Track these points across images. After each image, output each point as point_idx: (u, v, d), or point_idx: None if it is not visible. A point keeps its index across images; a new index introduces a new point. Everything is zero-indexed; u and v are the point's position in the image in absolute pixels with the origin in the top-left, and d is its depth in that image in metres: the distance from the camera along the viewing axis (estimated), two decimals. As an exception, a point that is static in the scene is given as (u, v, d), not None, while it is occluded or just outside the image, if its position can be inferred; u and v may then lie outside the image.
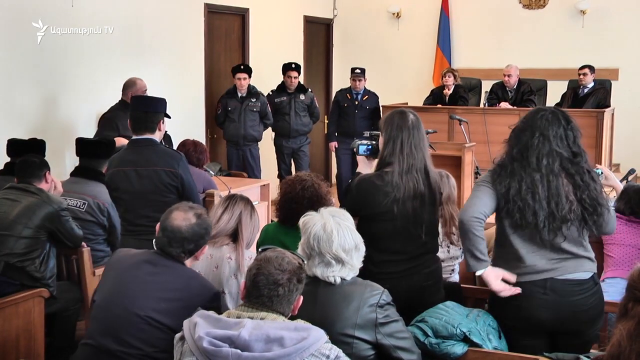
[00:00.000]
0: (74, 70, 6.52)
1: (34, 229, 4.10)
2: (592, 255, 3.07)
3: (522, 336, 3.07)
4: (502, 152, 3.10)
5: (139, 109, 4.16)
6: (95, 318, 2.86)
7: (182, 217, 2.90)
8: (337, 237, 2.69)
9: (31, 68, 6.11)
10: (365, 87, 8.64)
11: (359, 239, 2.77)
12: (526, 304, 2.99)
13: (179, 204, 3.01)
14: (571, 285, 2.99)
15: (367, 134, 3.79)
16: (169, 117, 4.27)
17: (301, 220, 2.80)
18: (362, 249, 2.77)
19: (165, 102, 4.27)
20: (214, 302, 2.89)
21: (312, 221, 2.74)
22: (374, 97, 8.68)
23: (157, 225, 2.96)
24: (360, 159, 3.64)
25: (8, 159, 4.89)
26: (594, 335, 3.12)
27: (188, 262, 2.96)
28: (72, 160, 5.79)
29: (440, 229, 3.93)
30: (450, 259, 4.02)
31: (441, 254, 3.92)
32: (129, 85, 6.22)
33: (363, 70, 8.62)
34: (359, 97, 8.59)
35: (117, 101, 6.25)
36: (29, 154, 4.49)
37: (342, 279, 2.71)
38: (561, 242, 2.98)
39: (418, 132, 3.33)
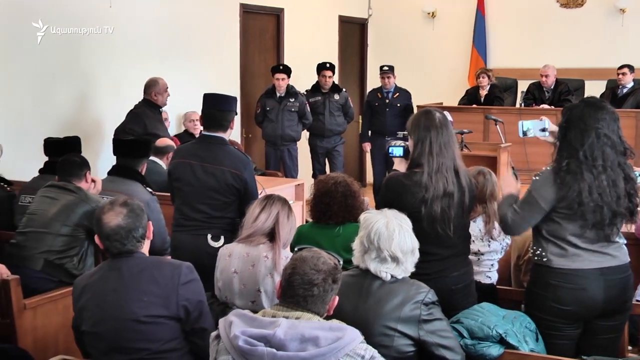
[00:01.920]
0: (106, 71, 6.63)
1: (72, 227, 4.15)
2: (625, 241, 3.33)
3: (570, 323, 3.19)
4: (563, 152, 3.15)
5: (213, 107, 4.14)
6: (94, 344, 2.86)
7: (112, 215, 2.86)
8: (397, 236, 2.77)
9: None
10: (396, 85, 8.51)
11: (416, 244, 2.85)
12: (589, 286, 3.15)
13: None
14: (620, 270, 3.23)
15: (400, 134, 3.77)
16: (237, 113, 4.29)
17: (362, 216, 2.88)
18: (417, 254, 2.85)
19: (236, 100, 4.28)
20: (190, 274, 2.87)
21: (375, 218, 2.83)
22: (405, 94, 8.52)
23: (97, 239, 2.90)
24: (395, 160, 3.62)
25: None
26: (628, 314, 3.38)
27: (145, 246, 2.95)
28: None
29: (482, 226, 3.96)
30: (490, 253, 4.00)
31: (482, 247, 3.98)
32: (151, 84, 6.43)
33: (391, 68, 8.48)
34: (390, 95, 8.47)
35: (141, 100, 6.41)
36: (70, 152, 4.55)
37: (392, 277, 2.78)
38: (615, 236, 3.19)
39: (446, 130, 3.28)
